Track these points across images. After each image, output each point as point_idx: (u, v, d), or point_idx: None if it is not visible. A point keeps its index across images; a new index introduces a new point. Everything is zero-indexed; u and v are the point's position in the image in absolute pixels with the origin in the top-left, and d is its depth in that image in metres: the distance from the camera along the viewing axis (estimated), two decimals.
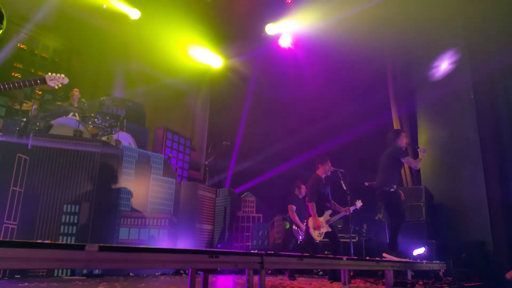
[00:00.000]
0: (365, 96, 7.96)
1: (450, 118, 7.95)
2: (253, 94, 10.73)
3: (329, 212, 5.47)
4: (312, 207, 5.33)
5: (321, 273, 6.90)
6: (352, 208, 5.46)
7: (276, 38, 9.82)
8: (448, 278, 5.16)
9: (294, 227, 6.26)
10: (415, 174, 8.11)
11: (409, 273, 5.40)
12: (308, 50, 9.37)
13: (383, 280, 4.49)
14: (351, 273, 4.98)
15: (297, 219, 6.21)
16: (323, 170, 5.56)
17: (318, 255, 5.07)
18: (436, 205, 7.41)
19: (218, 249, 2.77)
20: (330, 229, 5.37)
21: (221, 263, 2.82)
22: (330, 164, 5.59)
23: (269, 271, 6.54)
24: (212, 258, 2.65)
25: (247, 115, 10.63)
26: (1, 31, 2.64)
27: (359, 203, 5.58)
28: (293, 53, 9.74)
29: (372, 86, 8.54)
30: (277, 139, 9.99)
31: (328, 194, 5.57)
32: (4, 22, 2.63)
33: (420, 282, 4.99)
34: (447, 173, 7.68)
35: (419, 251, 5.91)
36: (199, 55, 10.18)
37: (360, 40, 7.87)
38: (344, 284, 4.47)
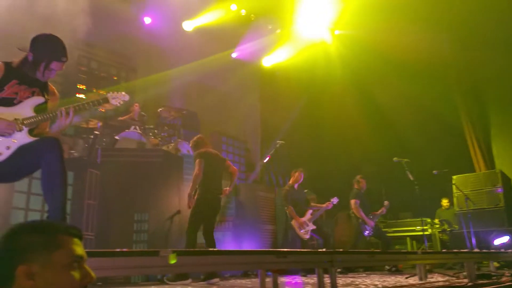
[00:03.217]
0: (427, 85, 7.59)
1: None
2: (306, 91, 10.61)
3: (310, 211, 5.94)
4: (290, 210, 5.85)
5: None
6: (331, 204, 5.99)
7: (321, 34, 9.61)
8: None
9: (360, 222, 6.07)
10: (488, 157, 7.49)
11: (492, 264, 4.99)
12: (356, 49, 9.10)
13: (465, 273, 4.17)
14: (427, 267, 4.69)
15: (362, 213, 6.03)
16: (294, 180, 6.08)
17: (390, 251, 4.85)
18: None
19: (286, 249, 2.72)
20: (314, 226, 5.82)
21: (290, 263, 2.77)
22: (302, 175, 6.09)
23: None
24: (280, 258, 2.62)
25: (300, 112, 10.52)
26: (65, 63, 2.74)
27: (335, 200, 6.02)
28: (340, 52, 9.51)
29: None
30: (334, 133, 9.78)
31: (302, 198, 6.12)
32: (67, 55, 2.75)
33: (507, 274, 4.56)
34: None
35: (502, 240, 5.43)
36: (247, 55, 10.18)
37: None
38: (421, 279, 4.22)
